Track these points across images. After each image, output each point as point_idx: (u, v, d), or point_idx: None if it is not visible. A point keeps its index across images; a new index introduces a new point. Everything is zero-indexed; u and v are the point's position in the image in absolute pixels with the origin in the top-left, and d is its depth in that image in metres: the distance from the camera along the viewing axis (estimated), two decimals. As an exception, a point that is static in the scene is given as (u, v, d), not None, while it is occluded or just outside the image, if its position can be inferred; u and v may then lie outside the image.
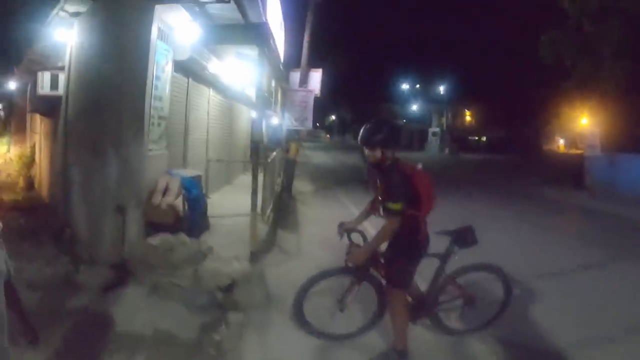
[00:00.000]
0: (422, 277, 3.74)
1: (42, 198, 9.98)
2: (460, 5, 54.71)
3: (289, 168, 11.53)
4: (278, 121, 14.67)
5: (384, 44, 69.46)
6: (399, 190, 3.05)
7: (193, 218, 5.63)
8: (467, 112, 56.35)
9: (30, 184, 12.02)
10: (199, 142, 8.82)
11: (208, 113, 9.34)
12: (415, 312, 3.52)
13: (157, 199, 5.38)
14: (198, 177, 6.52)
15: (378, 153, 3.15)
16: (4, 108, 23.37)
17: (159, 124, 5.89)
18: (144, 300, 4.58)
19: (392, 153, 3.19)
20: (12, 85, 15.74)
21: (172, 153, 6.81)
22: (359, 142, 3.24)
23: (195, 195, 5.78)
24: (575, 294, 5.15)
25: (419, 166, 3.30)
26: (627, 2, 14.90)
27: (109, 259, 5.29)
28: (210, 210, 6.95)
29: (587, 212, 11.92)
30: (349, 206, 10.31)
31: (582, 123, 20.69)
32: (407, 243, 3.24)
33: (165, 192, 5.45)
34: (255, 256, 5.05)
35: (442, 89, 51.76)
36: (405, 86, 55.20)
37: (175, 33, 6.19)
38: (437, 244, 3.47)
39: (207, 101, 9.23)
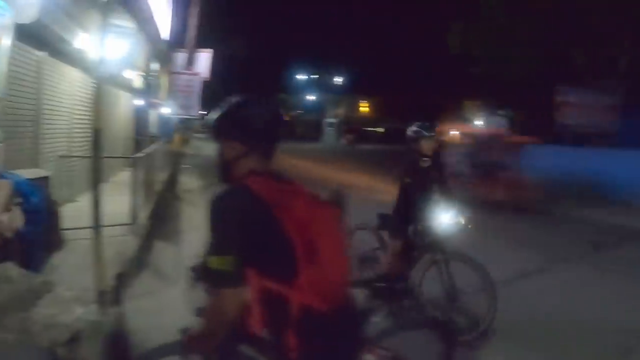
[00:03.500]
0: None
1: None
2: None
3: (173, 163, 10.00)
4: (168, 110, 12.95)
5: (281, 31, 68.45)
6: (222, 232, 1.45)
7: (31, 237, 4.13)
8: (364, 103, 57.51)
9: None
10: (60, 133, 7.08)
11: (73, 98, 7.60)
12: None
13: (-24, 212, 3.84)
14: (42, 180, 4.95)
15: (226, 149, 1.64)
16: None
17: (-13, 109, 4.31)
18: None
19: (239, 151, 1.59)
20: None
21: (14, 148, 5.22)
22: None
23: (36, 204, 4.25)
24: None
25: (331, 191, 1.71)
26: None
27: None
28: (69, 221, 5.37)
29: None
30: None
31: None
32: None
33: (-10, 202, 3.92)
34: (105, 296, 3.60)
35: (338, 79, 52.06)
36: (301, 76, 54.52)
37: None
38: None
39: (71, 83, 7.50)
